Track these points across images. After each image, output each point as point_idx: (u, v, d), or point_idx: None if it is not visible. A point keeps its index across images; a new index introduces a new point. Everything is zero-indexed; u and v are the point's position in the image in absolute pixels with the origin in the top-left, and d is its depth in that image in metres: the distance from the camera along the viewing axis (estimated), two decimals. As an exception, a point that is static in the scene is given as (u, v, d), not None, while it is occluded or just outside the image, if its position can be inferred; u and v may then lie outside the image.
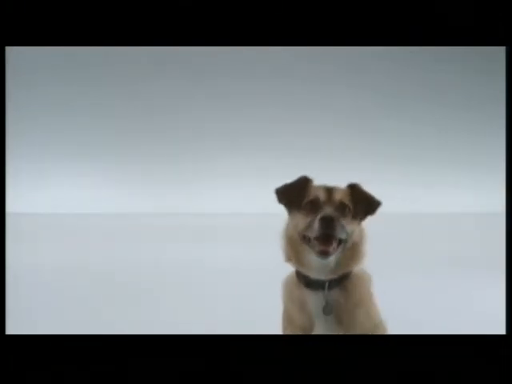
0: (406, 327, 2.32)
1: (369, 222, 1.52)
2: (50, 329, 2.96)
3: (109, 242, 8.32)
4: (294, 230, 1.47)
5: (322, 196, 1.46)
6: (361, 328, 1.46)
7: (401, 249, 6.86)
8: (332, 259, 1.41)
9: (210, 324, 3.14)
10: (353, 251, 1.45)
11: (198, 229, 10.35)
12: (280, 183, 1.57)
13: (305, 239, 1.43)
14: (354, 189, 1.52)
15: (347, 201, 1.47)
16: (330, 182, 1.54)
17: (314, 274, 1.45)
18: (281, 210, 1.57)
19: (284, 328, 1.56)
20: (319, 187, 1.50)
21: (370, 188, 1.55)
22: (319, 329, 1.45)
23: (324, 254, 1.38)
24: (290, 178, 1.57)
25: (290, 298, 1.52)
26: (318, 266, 1.43)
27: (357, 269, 1.49)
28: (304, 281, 1.47)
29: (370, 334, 1.48)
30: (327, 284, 1.44)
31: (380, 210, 1.54)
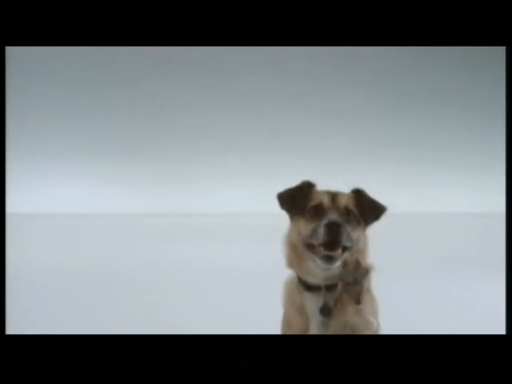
0: (406, 327, 2.32)
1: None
2: (50, 329, 2.96)
3: (109, 241, 8.32)
4: (296, 236, 1.44)
5: (326, 201, 1.43)
6: (357, 330, 1.45)
7: (401, 249, 6.85)
8: (336, 265, 1.39)
9: (210, 324, 3.14)
10: (356, 259, 1.44)
11: (198, 229, 10.34)
12: (280, 183, 1.56)
13: (308, 246, 1.40)
14: (358, 194, 1.49)
15: (352, 206, 1.44)
16: (330, 182, 1.53)
17: (315, 280, 1.43)
18: (281, 210, 1.56)
19: (283, 333, 1.55)
20: (323, 192, 1.47)
21: (370, 188, 1.54)
22: (315, 330, 1.44)
23: (329, 259, 1.35)
24: (290, 178, 1.56)
25: (289, 301, 1.51)
26: (321, 274, 1.41)
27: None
28: (305, 285, 1.46)
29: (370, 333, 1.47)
30: (324, 286, 1.43)
31: (380, 210, 1.53)
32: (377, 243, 1.53)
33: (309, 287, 1.44)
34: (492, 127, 13.45)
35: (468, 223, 11.65)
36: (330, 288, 1.43)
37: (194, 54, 13.32)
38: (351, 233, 1.38)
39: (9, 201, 2.06)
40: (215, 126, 14.71)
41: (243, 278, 5.10)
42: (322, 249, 1.35)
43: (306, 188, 1.50)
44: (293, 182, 1.58)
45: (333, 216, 1.37)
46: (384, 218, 1.54)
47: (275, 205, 1.55)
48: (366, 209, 1.46)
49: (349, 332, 1.43)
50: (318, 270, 1.40)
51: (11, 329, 1.72)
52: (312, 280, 1.43)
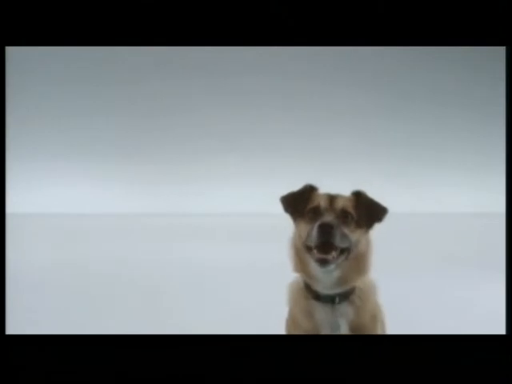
0: (406, 327, 2.32)
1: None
2: (50, 329, 2.96)
3: (109, 241, 8.31)
4: (298, 239, 1.44)
5: (323, 203, 1.42)
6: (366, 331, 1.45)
7: (401, 249, 6.85)
8: (333, 268, 1.36)
9: (210, 324, 3.14)
10: (358, 262, 1.42)
11: (198, 229, 10.33)
12: (280, 183, 1.56)
13: (307, 248, 1.39)
14: (358, 196, 1.47)
15: (350, 208, 1.42)
16: (331, 183, 1.52)
17: (320, 287, 1.42)
18: (281, 210, 1.56)
19: (288, 332, 1.53)
20: (322, 195, 1.47)
21: (370, 188, 1.53)
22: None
23: (322, 262, 1.33)
24: (290, 178, 1.56)
25: (296, 306, 1.49)
26: (322, 277, 1.40)
27: (361, 281, 1.46)
28: (312, 294, 1.44)
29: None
30: (337, 299, 1.41)
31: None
32: (377, 243, 1.52)
33: (317, 297, 1.42)
34: (492, 127, 13.43)
35: (468, 223, 11.64)
36: (338, 300, 1.40)
37: (194, 54, 13.29)
38: (349, 234, 1.36)
39: (9, 201, 2.06)
40: (215, 126, 14.69)
41: (243, 278, 5.10)
42: (315, 251, 1.34)
43: (308, 191, 1.49)
44: (292, 182, 1.57)
45: (327, 218, 1.36)
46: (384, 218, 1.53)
47: (275, 205, 1.55)
48: (367, 211, 1.43)
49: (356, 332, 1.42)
50: (318, 273, 1.39)
51: (11, 329, 1.73)
52: (319, 288, 1.41)
